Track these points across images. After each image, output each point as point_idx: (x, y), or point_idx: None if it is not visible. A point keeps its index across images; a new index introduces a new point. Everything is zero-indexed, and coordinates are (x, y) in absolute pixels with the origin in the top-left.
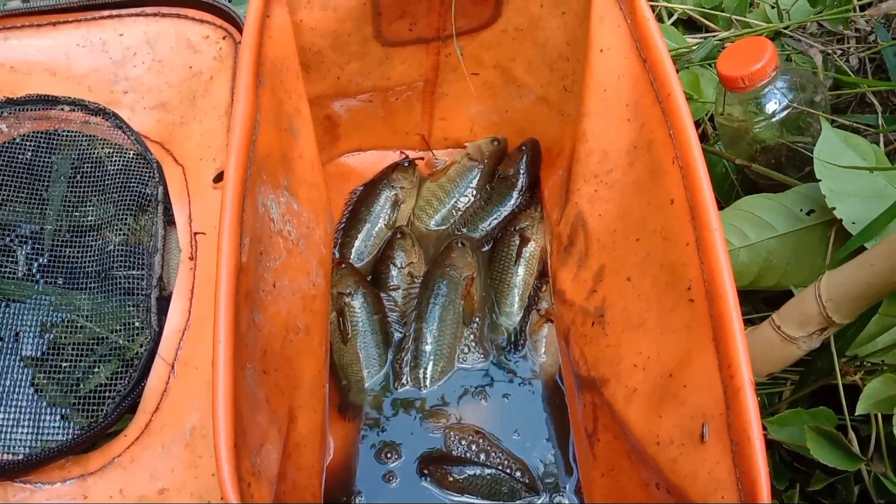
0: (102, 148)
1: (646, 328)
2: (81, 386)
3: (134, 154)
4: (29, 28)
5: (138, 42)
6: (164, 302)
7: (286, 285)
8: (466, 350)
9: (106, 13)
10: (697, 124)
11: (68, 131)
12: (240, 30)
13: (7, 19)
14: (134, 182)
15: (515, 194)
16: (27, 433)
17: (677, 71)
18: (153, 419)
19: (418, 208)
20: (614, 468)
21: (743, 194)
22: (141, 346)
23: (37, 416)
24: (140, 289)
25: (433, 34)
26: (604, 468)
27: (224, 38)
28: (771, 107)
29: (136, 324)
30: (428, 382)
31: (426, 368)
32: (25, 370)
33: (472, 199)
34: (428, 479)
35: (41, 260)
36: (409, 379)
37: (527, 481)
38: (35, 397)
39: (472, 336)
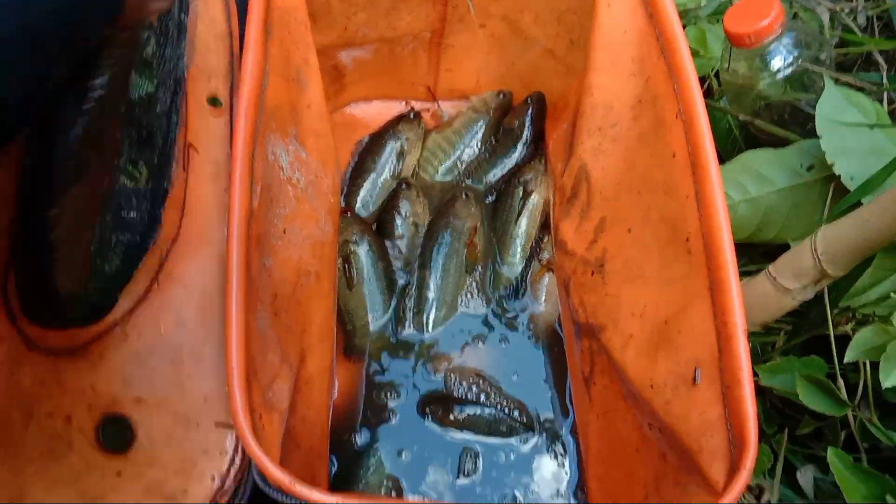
0: None
1: (644, 278)
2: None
3: None
4: None
5: None
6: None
7: (296, 232)
8: (469, 297)
9: None
10: (703, 80)
11: None
12: None
13: None
14: None
15: (520, 147)
16: None
17: (684, 26)
18: (129, 321)
19: (423, 160)
20: (609, 410)
21: (746, 150)
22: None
23: None
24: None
25: None
26: (599, 410)
27: None
28: (776, 63)
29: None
30: (430, 327)
31: (429, 314)
32: None
33: (477, 151)
34: (429, 417)
35: None
36: (412, 323)
37: (525, 421)
38: None
39: (474, 284)
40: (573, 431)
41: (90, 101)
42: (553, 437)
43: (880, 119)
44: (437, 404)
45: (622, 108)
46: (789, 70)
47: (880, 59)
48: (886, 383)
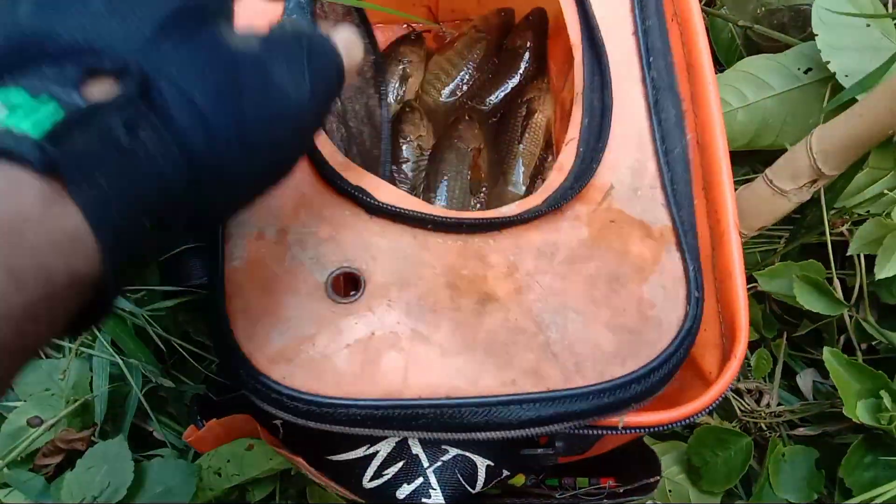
0: None
1: None
2: None
3: None
4: None
5: None
6: None
7: None
8: None
9: None
10: None
11: None
12: None
13: None
14: None
15: (522, 66)
16: None
17: None
18: None
19: (426, 82)
20: None
21: None
22: None
23: None
24: None
25: None
26: None
27: None
28: None
29: None
30: None
31: None
32: None
33: (480, 71)
34: None
35: None
36: None
37: None
38: None
39: (479, 205)
40: None
41: None
42: None
43: (877, 11)
44: None
45: None
46: None
47: None
48: (881, 275)
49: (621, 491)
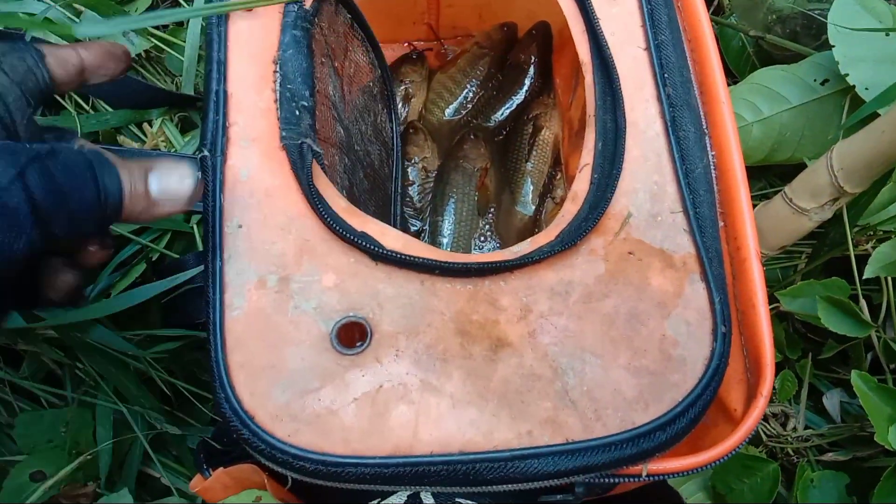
0: None
1: None
2: None
3: None
4: None
5: None
6: None
7: None
8: (482, 239)
9: None
10: None
11: None
12: None
13: None
14: None
15: (527, 81)
16: None
17: None
18: None
19: (429, 101)
20: None
21: (760, 68)
22: None
23: None
24: None
25: None
26: None
27: None
28: None
29: None
30: None
31: None
32: None
33: (484, 88)
34: None
35: None
36: None
37: None
38: None
39: (487, 226)
40: None
41: None
42: None
43: None
44: None
45: None
46: None
47: None
48: None
49: None
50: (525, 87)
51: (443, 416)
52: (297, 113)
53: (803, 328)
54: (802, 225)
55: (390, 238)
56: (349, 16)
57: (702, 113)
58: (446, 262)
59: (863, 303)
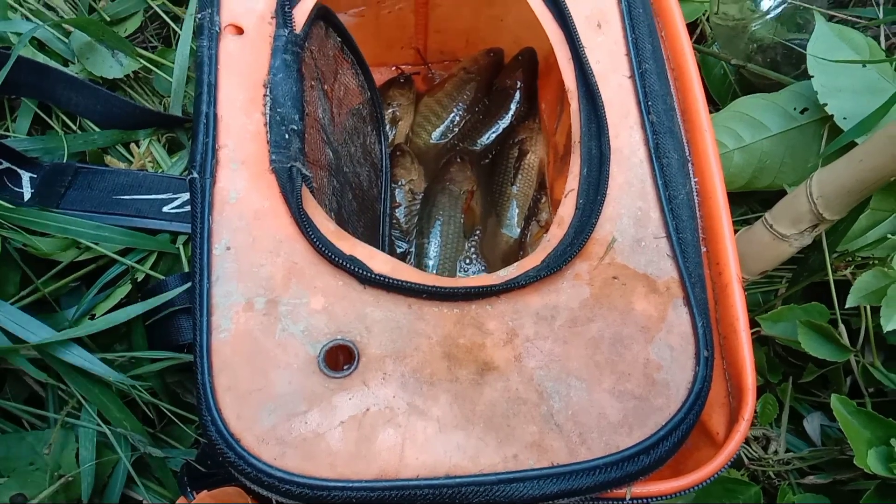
0: None
1: None
2: None
3: None
4: None
5: None
6: None
7: None
8: (468, 262)
9: None
10: (695, 25)
11: None
12: None
13: None
14: None
15: (513, 106)
16: None
17: None
18: None
19: (416, 125)
20: None
21: (741, 96)
22: None
23: None
24: None
25: None
26: None
27: None
28: (766, 3)
29: None
30: None
31: None
32: None
33: (470, 112)
34: None
35: None
36: None
37: None
38: None
39: (473, 248)
40: None
41: None
42: None
43: (873, 55)
44: None
45: None
46: (780, 9)
47: None
48: (888, 327)
49: None
50: (511, 112)
51: (429, 439)
52: (287, 136)
53: (784, 352)
54: (783, 250)
55: (379, 262)
56: (339, 39)
57: (685, 140)
58: (434, 287)
59: (842, 327)
